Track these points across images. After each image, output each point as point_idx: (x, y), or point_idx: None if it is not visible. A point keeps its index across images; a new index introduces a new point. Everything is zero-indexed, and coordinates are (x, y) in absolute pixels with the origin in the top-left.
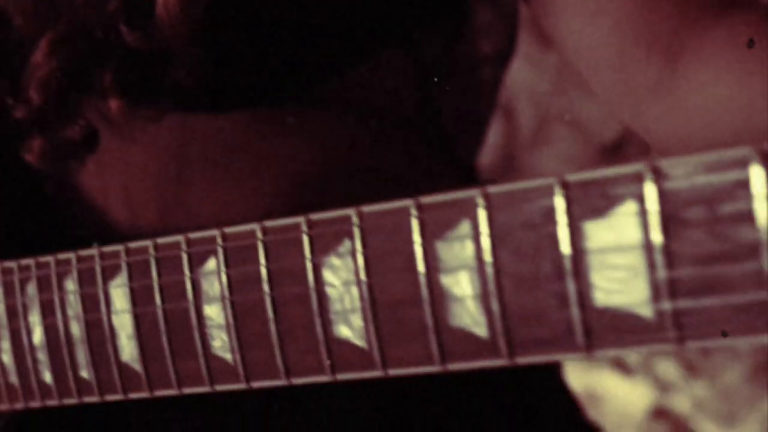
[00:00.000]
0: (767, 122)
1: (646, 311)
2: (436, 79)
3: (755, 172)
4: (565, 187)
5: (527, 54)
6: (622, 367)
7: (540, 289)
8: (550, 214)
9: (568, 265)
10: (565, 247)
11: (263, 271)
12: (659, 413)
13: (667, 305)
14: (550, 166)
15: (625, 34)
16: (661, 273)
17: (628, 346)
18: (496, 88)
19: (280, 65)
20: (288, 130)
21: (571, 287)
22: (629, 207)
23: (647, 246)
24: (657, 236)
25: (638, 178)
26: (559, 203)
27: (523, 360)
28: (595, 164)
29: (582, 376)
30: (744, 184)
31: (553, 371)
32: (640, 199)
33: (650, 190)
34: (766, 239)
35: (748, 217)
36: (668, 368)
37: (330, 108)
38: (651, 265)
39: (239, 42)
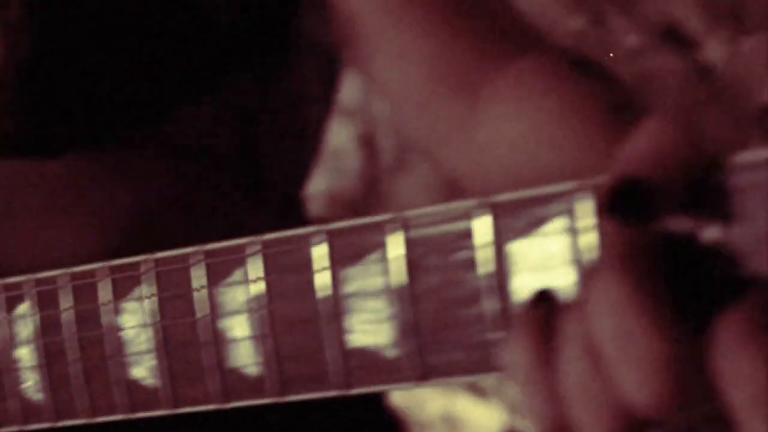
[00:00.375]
0: (556, 162)
1: (393, 352)
2: (259, 121)
3: (476, 224)
4: (329, 234)
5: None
6: (477, 390)
7: (305, 331)
8: (310, 261)
9: (327, 308)
10: (325, 291)
11: (68, 314)
12: None
13: (410, 346)
14: (411, 195)
15: (429, 74)
16: (405, 315)
17: (381, 385)
18: (321, 128)
19: (100, 109)
20: (109, 173)
21: (330, 329)
22: (378, 254)
23: (392, 290)
24: (401, 281)
25: (388, 228)
26: (322, 250)
27: (293, 397)
28: (451, 192)
29: (439, 400)
30: (467, 234)
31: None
32: (387, 248)
33: (395, 238)
34: (483, 285)
35: (471, 264)
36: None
37: (149, 151)
38: (396, 308)
39: (59, 86)
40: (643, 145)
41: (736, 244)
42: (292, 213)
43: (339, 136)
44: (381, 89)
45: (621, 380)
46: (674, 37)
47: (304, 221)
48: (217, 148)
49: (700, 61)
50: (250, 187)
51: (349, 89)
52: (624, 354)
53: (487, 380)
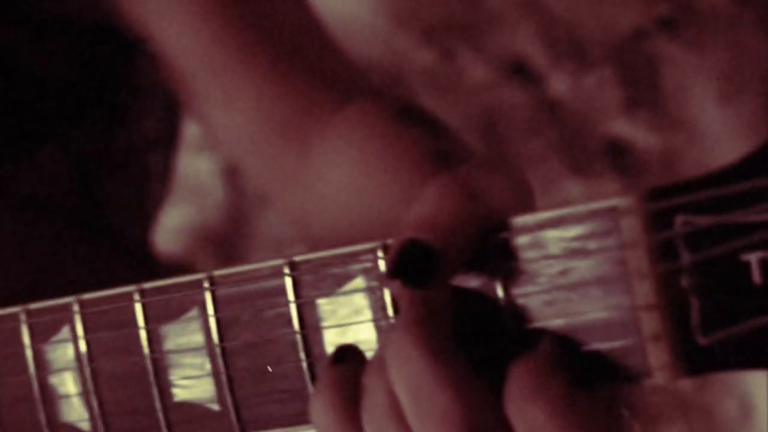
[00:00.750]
0: (375, 212)
1: (214, 405)
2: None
3: (287, 281)
4: (142, 293)
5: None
6: None
7: (130, 386)
8: (132, 318)
9: (150, 365)
10: (146, 349)
11: None
12: None
13: (228, 398)
14: (276, 228)
15: (259, 124)
16: (222, 370)
17: None
18: (167, 170)
19: None
20: None
21: (154, 385)
22: (194, 313)
23: (209, 346)
24: (215, 338)
25: (199, 286)
26: (138, 309)
27: None
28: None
29: None
30: (279, 291)
31: None
32: (202, 305)
33: (208, 297)
34: (295, 341)
35: (282, 320)
36: None
37: None
38: (214, 363)
39: None
40: (424, 210)
41: (522, 301)
42: (138, 258)
43: (200, 168)
44: (213, 135)
45: None
46: (521, 71)
47: (153, 265)
48: (58, 199)
49: (545, 93)
50: (93, 235)
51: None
52: (419, 409)
53: None
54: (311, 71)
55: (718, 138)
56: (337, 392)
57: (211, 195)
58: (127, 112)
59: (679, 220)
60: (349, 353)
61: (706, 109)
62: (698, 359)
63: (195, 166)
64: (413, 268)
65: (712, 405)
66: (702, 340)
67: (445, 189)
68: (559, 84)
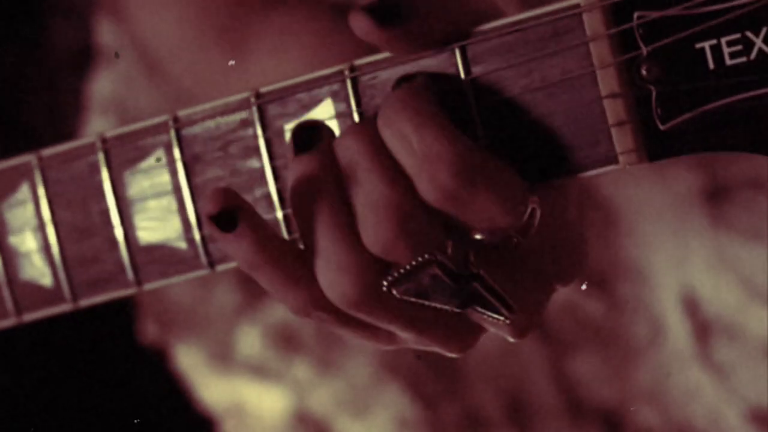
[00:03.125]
0: None
1: (181, 243)
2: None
3: (255, 111)
4: (105, 142)
5: (143, 73)
6: (258, 373)
7: (94, 236)
8: (95, 168)
9: (114, 212)
10: (110, 197)
11: None
12: (299, 417)
13: (196, 235)
14: None
15: (190, 25)
16: (189, 208)
17: (171, 276)
18: (81, 92)
19: None
20: None
21: (118, 231)
22: (159, 155)
23: (176, 187)
24: (182, 177)
25: (164, 128)
26: (101, 157)
27: (86, 302)
28: None
29: (222, 392)
30: (247, 123)
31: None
32: (168, 147)
33: (173, 138)
34: (269, 167)
35: (255, 150)
36: (302, 369)
37: None
38: (180, 204)
39: None
40: None
41: (490, 99)
42: None
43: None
44: (138, 37)
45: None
46: None
47: None
48: None
49: None
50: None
51: (104, 83)
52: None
53: (269, 360)
54: None
55: None
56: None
57: None
58: (46, 34)
59: (636, 14)
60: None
61: None
62: (660, 144)
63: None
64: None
65: (622, 329)
66: (662, 126)
67: None
68: None
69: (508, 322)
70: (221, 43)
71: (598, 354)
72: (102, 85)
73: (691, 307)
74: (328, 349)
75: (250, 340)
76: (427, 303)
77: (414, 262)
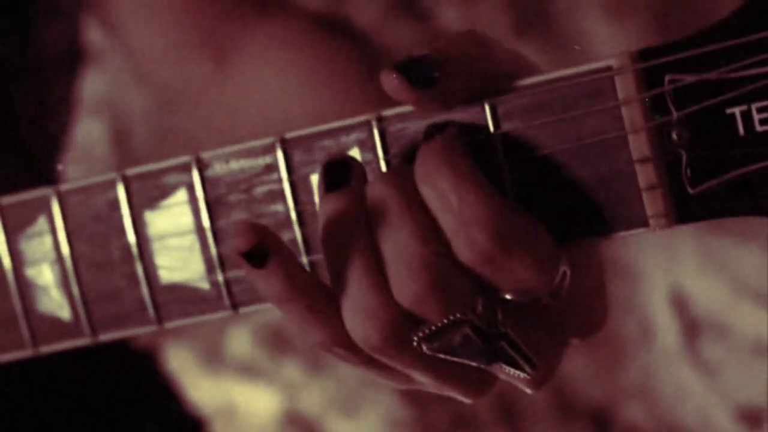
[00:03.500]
0: (299, 104)
1: (204, 284)
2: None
3: (280, 156)
4: (126, 180)
5: (132, 74)
6: (248, 373)
7: (113, 272)
8: (115, 205)
9: (134, 250)
10: (130, 234)
11: None
12: (290, 417)
13: (219, 277)
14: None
15: (175, 32)
16: (213, 250)
17: (193, 316)
18: (70, 92)
19: None
20: None
21: (139, 269)
22: (181, 195)
23: (198, 227)
24: (206, 219)
25: (186, 168)
26: (122, 195)
27: (104, 337)
28: None
29: (212, 391)
30: (272, 168)
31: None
32: (190, 187)
33: (196, 179)
34: (294, 212)
35: (279, 194)
36: (292, 370)
37: None
38: (203, 244)
39: None
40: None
41: (521, 160)
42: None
43: (89, 132)
44: (125, 41)
45: (390, 278)
46: (410, 8)
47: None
48: None
49: (436, 27)
50: (10, 151)
51: (94, 83)
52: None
53: (259, 361)
54: None
55: (607, 50)
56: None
57: (101, 159)
58: (35, 25)
59: (667, 78)
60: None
61: (593, 22)
62: (689, 207)
63: (85, 130)
64: (418, 68)
65: (613, 329)
66: (692, 190)
67: (458, 34)
68: (448, 16)
69: (529, 378)
70: (205, 51)
71: (587, 353)
72: (92, 85)
73: (680, 306)
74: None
75: (240, 341)
76: (454, 358)
77: (446, 321)
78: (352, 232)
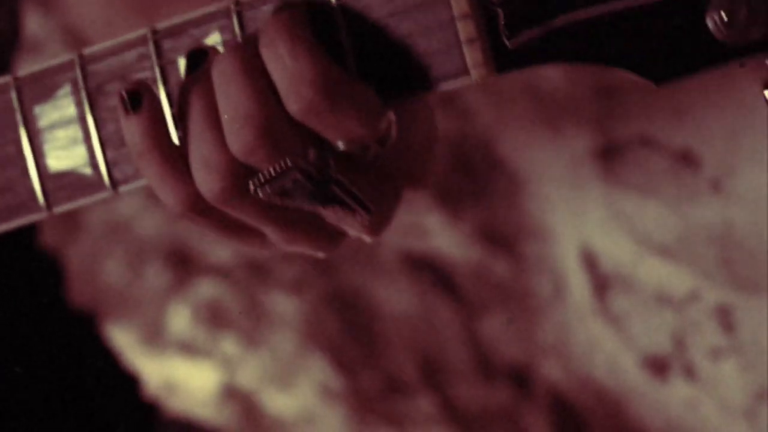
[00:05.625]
0: None
1: (87, 169)
2: None
3: (152, 47)
4: (17, 81)
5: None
6: (188, 350)
7: (7, 166)
8: (8, 104)
9: (25, 143)
10: (22, 129)
11: None
12: (229, 392)
13: (101, 161)
14: None
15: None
16: (94, 136)
17: (78, 199)
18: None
19: None
20: None
21: (29, 161)
22: (65, 89)
23: (81, 117)
24: (87, 108)
25: (71, 65)
26: (14, 95)
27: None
28: None
29: (155, 368)
30: (145, 56)
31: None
32: (74, 82)
33: (78, 73)
34: (164, 94)
35: (152, 81)
36: (230, 344)
37: None
38: (85, 133)
39: None
40: None
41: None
42: None
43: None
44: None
45: (225, 127)
46: None
47: None
48: None
49: None
50: None
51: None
52: (227, 113)
53: (198, 338)
54: None
55: None
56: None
57: None
58: None
59: None
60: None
61: None
62: (506, 58)
63: None
64: None
65: (527, 287)
66: (509, 42)
67: None
68: None
69: (365, 221)
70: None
71: (506, 312)
72: None
73: (590, 262)
74: (254, 324)
75: (179, 319)
76: (289, 204)
77: (277, 167)
78: (196, 98)
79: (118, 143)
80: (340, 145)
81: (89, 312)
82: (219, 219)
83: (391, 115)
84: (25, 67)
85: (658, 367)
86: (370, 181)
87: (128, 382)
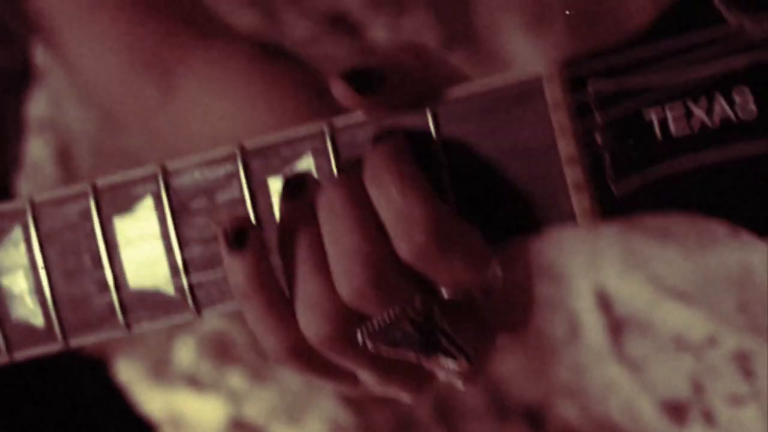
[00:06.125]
0: (244, 126)
1: (169, 288)
2: None
3: (240, 164)
4: (96, 190)
5: (76, 95)
6: (194, 383)
7: (84, 279)
8: (86, 214)
9: (104, 256)
10: (100, 242)
11: None
12: (236, 425)
13: (183, 281)
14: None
15: (121, 56)
16: (177, 255)
17: (159, 320)
18: (18, 110)
19: None
20: None
21: (108, 275)
22: (148, 203)
23: (164, 234)
24: (170, 225)
25: (153, 177)
26: (92, 204)
27: (75, 342)
28: None
29: (161, 401)
30: (232, 176)
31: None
32: (156, 196)
33: (162, 187)
34: (253, 217)
35: (239, 201)
36: (237, 379)
37: None
38: (168, 250)
39: None
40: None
41: (459, 162)
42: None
43: (36, 150)
44: (77, 73)
45: (333, 272)
46: (341, 24)
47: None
48: None
49: (367, 41)
50: None
51: (38, 103)
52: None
53: (205, 371)
54: (171, 8)
55: (528, 62)
56: (250, 257)
57: (47, 176)
58: None
59: (590, 84)
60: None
61: (515, 37)
62: (613, 205)
63: (32, 147)
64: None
65: (542, 328)
66: (615, 189)
67: (399, 45)
68: (378, 31)
69: (464, 370)
70: (148, 74)
71: (520, 353)
72: (36, 105)
73: (605, 304)
74: (262, 358)
75: (185, 353)
76: (395, 353)
77: (386, 316)
78: (301, 235)
79: (203, 264)
80: (445, 292)
81: (99, 355)
82: (317, 362)
83: (496, 263)
84: (104, 177)
85: (676, 411)
86: (470, 331)
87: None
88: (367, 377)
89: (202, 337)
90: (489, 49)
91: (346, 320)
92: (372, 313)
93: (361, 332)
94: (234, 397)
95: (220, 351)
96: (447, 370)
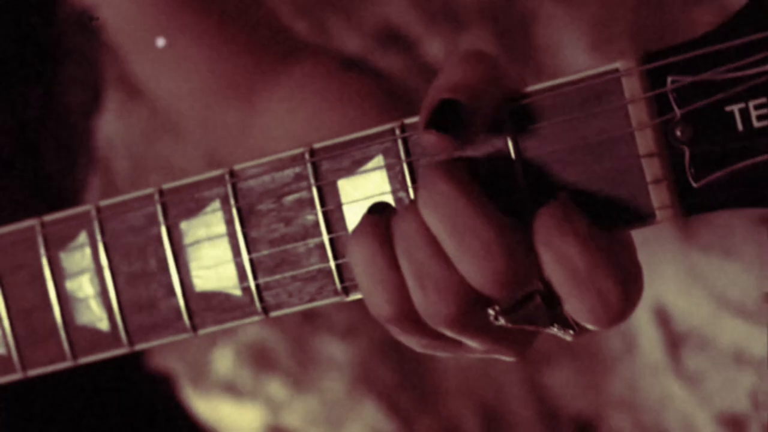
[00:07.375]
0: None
1: (236, 291)
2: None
3: (309, 165)
4: (162, 194)
5: (117, 108)
6: (233, 391)
7: (150, 283)
8: (152, 218)
9: (170, 260)
10: (167, 245)
11: None
12: None
13: (251, 283)
14: None
15: (205, 83)
16: (245, 257)
17: (226, 322)
18: (89, 136)
19: None
20: None
21: (174, 278)
22: (215, 206)
23: (231, 236)
24: (238, 227)
25: (220, 181)
26: (159, 209)
27: (141, 346)
28: None
29: (202, 410)
30: (301, 177)
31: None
32: (224, 198)
33: (229, 190)
34: (322, 218)
35: (308, 202)
36: (276, 387)
37: None
38: (236, 252)
39: None
40: (451, 75)
41: (535, 159)
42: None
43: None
44: (154, 97)
45: (459, 263)
46: (395, 39)
47: None
48: (2, 152)
49: (421, 57)
50: (33, 185)
51: (111, 128)
52: (461, 242)
53: (243, 379)
54: (255, 32)
55: None
56: (370, 235)
57: None
58: (62, 77)
59: (669, 78)
60: (380, 206)
61: (578, 57)
62: (694, 200)
63: None
64: (446, 121)
65: (598, 344)
66: (695, 183)
67: (469, 58)
68: (433, 47)
69: (569, 336)
70: (230, 100)
71: (572, 365)
72: (110, 129)
73: (663, 319)
74: (302, 367)
75: (224, 362)
76: (526, 327)
77: (520, 295)
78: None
79: (271, 267)
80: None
81: (166, 373)
82: (428, 333)
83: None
84: (171, 183)
85: (734, 425)
86: None
87: None
88: (477, 345)
89: (241, 346)
90: (549, 66)
91: (471, 302)
92: (501, 296)
93: (495, 311)
94: (272, 405)
95: (259, 359)
96: (561, 336)
